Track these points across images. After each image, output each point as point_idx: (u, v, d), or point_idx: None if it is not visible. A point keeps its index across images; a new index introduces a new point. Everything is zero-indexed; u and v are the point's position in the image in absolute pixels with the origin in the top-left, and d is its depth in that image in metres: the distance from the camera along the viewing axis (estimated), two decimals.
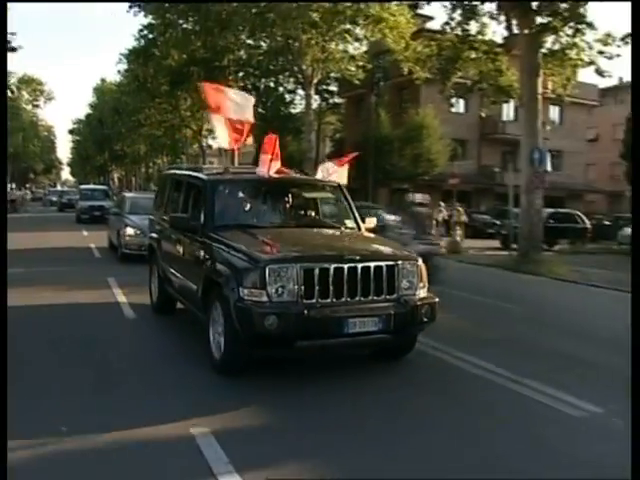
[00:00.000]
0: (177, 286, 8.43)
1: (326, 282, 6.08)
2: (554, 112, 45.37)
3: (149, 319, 9.46)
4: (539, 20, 18.78)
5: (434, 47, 22.33)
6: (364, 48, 32.31)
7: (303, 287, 6.02)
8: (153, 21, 30.74)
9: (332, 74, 34.45)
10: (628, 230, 32.51)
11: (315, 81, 31.51)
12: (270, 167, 8.02)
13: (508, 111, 43.50)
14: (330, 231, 8.08)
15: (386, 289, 6.38)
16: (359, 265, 6.26)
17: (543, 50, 19.22)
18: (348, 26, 28.16)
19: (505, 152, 43.53)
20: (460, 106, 42.45)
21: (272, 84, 36.75)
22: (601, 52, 18.54)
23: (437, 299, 6.85)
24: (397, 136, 36.27)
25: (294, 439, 5.08)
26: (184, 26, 29.93)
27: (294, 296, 6.02)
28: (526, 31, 18.59)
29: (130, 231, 15.97)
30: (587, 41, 18.71)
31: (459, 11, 20.32)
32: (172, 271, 8.61)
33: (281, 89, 37.93)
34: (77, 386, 6.19)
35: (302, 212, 8.67)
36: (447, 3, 20.63)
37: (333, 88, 40.80)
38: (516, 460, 4.78)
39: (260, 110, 38.78)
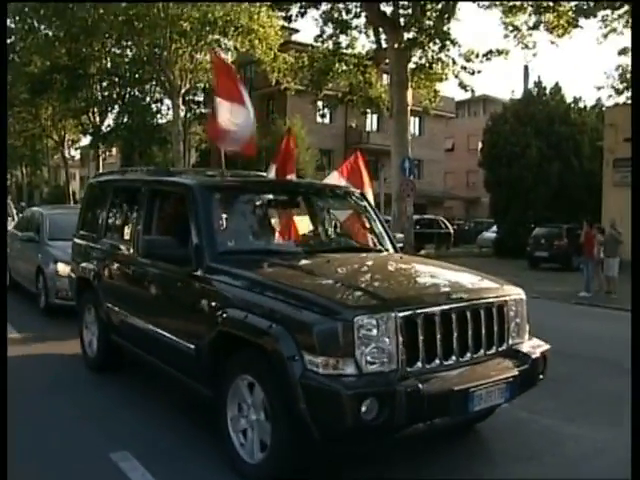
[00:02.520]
0: (140, 338, 6.21)
1: (432, 335, 4.22)
2: (414, 123, 47.25)
3: (86, 381, 7.18)
4: (407, 36, 19.64)
5: (305, 59, 22.79)
6: (231, 58, 32.39)
7: (403, 346, 4.06)
8: (12, 25, 29.37)
9: (199, 84, 34.23)
10: (486, 234, 34.63)
11: (183, 91, 31.32)
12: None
13: (372, 122, 44.94)
14: (384, 256, 6.11)
15: (497, 338, 4.67)
16: (469, 306, 4.48)
17: (411, 64, 20.10)
18: (217, 36, 28.17)
19: (370, 161, 44.80)
20: (326, 117, 43.36)
21: (138, 93, 35.95)
22: (464, 67, 19.66)
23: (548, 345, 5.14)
24: (265, 146, 36.50)
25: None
26: (47, 32, 28.79)
27: (394, 362, 4.01)
28: (395, 45, 19.35)
29: (63, 268, 10.04)
30: (451, 56, 19.80)
31: (330, 24, 20.85)
32: (129, 316, 6.37)
33: (147, 99, 37.16)
34: None
35: (328, 230, 6.69)
36: (316, 15, 21.22)
37: (200, 98, 40.46)
38: None
39: (125, 120, 37.98)
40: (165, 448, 5.10)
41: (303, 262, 5.36)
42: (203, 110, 43.37)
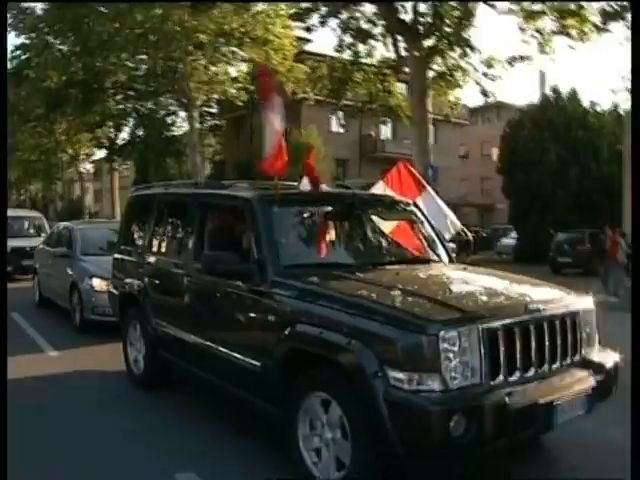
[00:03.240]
0: (194, 355, 6.06)
1: (512, 347, 4.13)
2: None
3: (134, 398, 6.99)
4: (426, 43, 19.53)
5: (324, 68, 22.71)
6: (245, 69, 32.46)
7: (486, 359, 3.97)
8: (27, 41, 29.47)
9: (214, 95, 34.27)
10: (505, 241, 34.46)
11: (199, 103, 31.37)
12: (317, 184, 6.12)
13: (386, 130, 44.83)
14: (448, 267, 6.05)
15: (571, 348, 4.59)
16: (546, 317, 4.40)
17: (431, 72, 19.98)
18: (233, 48, 28.21)
19: (385, 170, 44.57)
20: (340, 126, 43.31)
21: (153, 106, 36.04)
22: (485, 74, 19.52)
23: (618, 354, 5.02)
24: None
25: None
26: (62, 47, 28.88)
27: (477, 375, 3.92)
28: (415, 53, 19.25)
29: (99, 283, 10.04)
30: (472, 63, 19.66)
31: (349, 33, 20.76)
32: (182, 333, 6.18)
33: (162, 111, 37.25)
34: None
35: (381, 241, 6.47)
36: (334, 25, 21.13)
37: (214, 110, 40.54)
38: None
39: (141, 133, 38.11)
40: (235, 470, 4.97)
41: (371, 275, 5.21)
42: (217, 122, 43.54)
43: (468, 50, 18.99)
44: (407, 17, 19.48)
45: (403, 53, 20.32)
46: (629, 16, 15.65)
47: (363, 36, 20.70)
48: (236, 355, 5.25)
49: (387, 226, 6.60)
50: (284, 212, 5.70)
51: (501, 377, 4.04)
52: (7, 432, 4.45)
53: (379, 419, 3.87)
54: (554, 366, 4.40)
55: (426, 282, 5.34)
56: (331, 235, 5.94)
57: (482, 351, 3.95)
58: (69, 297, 10.97)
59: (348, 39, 20.84)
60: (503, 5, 18.40)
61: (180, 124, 39.00)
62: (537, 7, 17.64)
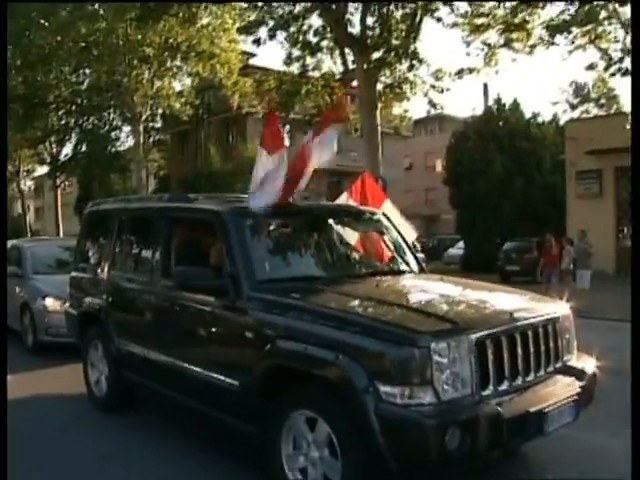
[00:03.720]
0: (164, 375, 5.80)
1: (500, 357, 4.08)
2: None
3: (96, 420, 6.69)
4: (375, 56, 19.66)
5: (272, 81, 22.62)
6: (188, 82, 32.24)
7: (477, 370, 3.90)
8: None
9: (159, 110, 33.88)
10: (452, 251, 34.83)
11: (143, 117, 30.97)
12: (285, 191, 5.52)
13: None
14: (426, 277, 6.05)
15: (553, 355, 4.58)
16: (530, 325, 4.39)
17: (381, 85, 20.13)
18: (179, 62, 27.97)
19: (330, 182, 44.88)
20: (286, 140, 43.29)
21: (97, 121, 35.40)
22: (433, 86, 19.76)
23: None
24: (228, 171, 36.25)
25: None
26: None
27: (468, 386, 3.85)
28: (364, 66, 19.34)
29: (52, 303, 9.79)
30: (420, 76, 19.88)
31: (298, 46, 20.77)
32: (149, 352, 5.92)
33: (106, 126, 36.61)
34: None
35: (353, 253, 6.32)
36: (282, 38, 21.12)
37: (158, 124, 40.07)
38: None
39: (84, 148, 37.36)
40: None
41: (350, 287, 5.14)
42: (162, 137, 43.04)
43: (416, 62, 19.19)
44: (355, 30, 19.65)
45: (351, 66, 20.47)
46: (574, 29, 16.10)
47: (311, 49, 20.75)
48: (211, 374, 5.03)
49: (353, 237, 6.52)
50: (256, 225, 5.51)
51: (491, 387, 3.99)
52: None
53: (371, 435, 3.76)
54: (539, 374, 4.39)
55: (407, 293, 5.27)
56: (302, 247, 5.87)
57: (472, 361, 3.89)
58: (20, 318, 10.59)
59: (296, 52, 20.88)
60: (449, 19, 18.73)
61: (124, 139, 38.41)
62: (483, 20, 17.95)
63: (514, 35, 16.68)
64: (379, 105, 20.07)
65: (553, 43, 16.25)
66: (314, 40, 20.40)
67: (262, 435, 4.59)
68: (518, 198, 28.76)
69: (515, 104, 32.09)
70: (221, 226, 5.27)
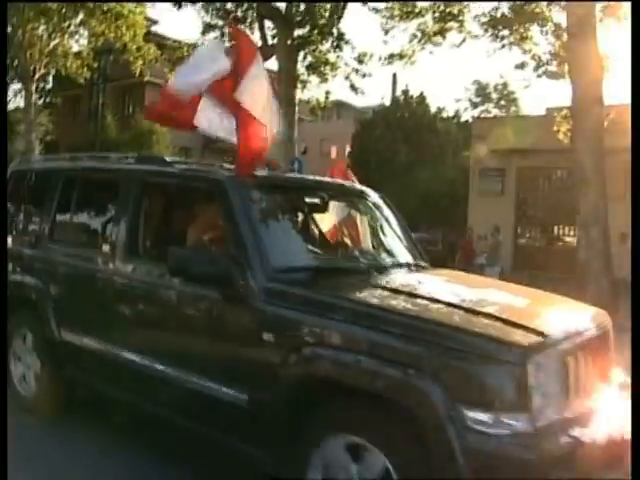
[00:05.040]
0: (131, 377, 4.76)
1: (579, 372, 3.48)
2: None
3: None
4: (298, 32, 18.97)
5: (185, 50, 21.41)
6: (85, 42, 30.31)
7: (564, 388, 3.33)
8: None
9: (52, 70, 31.70)
10: None
11: (37, 76, 28.84)
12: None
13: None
14: (459, 275, 5.42)
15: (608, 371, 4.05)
16: (597, 334, 3.91)
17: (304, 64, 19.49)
18: (81, 17, 26.09)
19: (227, 161, 43.82)
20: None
21: None
22: (356, 70, 19.30)
23: None
24: (125, 141, 34.55)
25: None
26: None
27: (558, 407, 3.26)
28: (289, 42, 18.60)
29: None
30: (343, 57, 19.37)
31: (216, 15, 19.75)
32: (107, 347, 4.86)
33: None
34: None
35: (367, 242, 5.57)
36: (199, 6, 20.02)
37: (49, 85, 37.65)
38: None
39: None
40: None
41: (394, 283, 4.34)
42: (54, 99, 40.52)
43: (342, 43, 18.65)
44: (281, 4, 18.85)
45: (270, 41, 19.68)
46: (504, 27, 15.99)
47: (234, 19, 19.74)
48: (207, 384, 4.09)
49: (328, 220, 5.78)
50: (265, 199, 4.60)
51: (572, 406, 3.38)
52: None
53: (452, 470, 3.05)
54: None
55: (463, 293, 4.32)
56: (319, 230, 5.13)
57: (561, 380, 3.32)
58: None
59: (215, 21, 19.85)
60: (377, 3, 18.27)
61: (12, 98, 35.74)
62: (421, 5, 17.59)
63: (448, 25, 16.39)
64: (299, 85, 19.46)
65: (494, 35, 16.01)
66: (236, 10, 19.37)
67: (275, 462, 3.75)
68: (420, 190, 28.94)
69: (422, 97, 32.30)
70: (223, 198, 4.34)
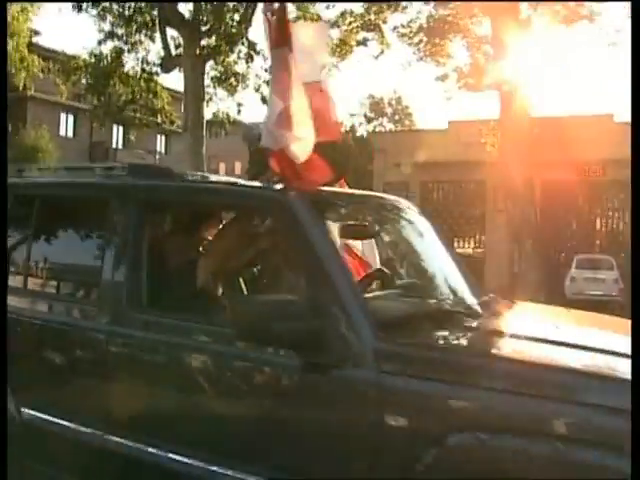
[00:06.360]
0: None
1: None
2: (161, 141, 45.15)
3: None
4: (206, 42, 18.04)
5: (81, 61, 19.82)
6: None
7: None
8: None
9: None
10: None
11: None
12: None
13: (118, 138, 42.03)
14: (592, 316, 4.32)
15: None
16: None
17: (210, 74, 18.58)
18: None
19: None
20: (69, 130, 39.66)
21: None
22: (268, 82, 18.53)
23: None
24: (12, 158, 32.16)
25: None
26: None
27: None
28: (197, 52, 17.62)
29: None
30: (253, 68, 18.67)
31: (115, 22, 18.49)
32: (98, 435, 3.35)
33: None
34: None
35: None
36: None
37: None
38: None
39: None
40: None
41: (514, 327, 3.37)
42: None
43: (253, 53, 17.90)
44: (187, 11, 17.83)
45: (175, 51, 18.61)
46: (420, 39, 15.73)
47: (129, 26, 18.50)
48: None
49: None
50: (340, 223, 3.59)
51: None
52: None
53: None
54: None
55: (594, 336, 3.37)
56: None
57: None
58: None
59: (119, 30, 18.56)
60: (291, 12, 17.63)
61: None
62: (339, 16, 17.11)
63: (370, 35, 15.98)
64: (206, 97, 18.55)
65: (413, 46, 15.71)
66: (136, 16, 18.10)
67: None
68: None
69: None
70: (291, 224, 3.11)
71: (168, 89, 21.20)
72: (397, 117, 45.24)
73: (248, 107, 57.94)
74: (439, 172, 25.38)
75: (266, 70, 18.31)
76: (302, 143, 3.28)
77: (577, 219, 25.66)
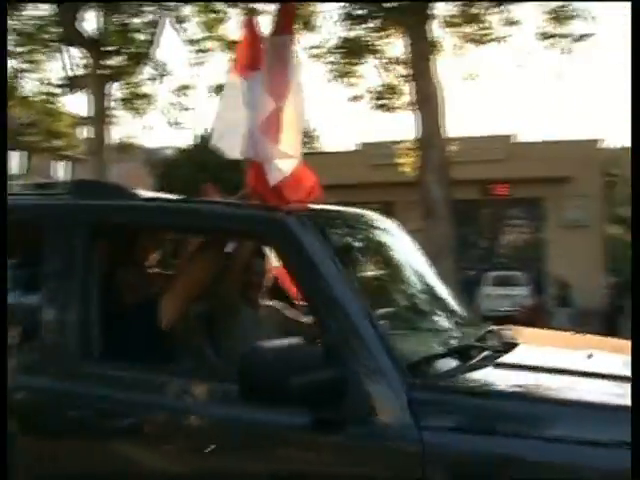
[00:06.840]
0: None
1: None
2: (65, 168, 43.48)
3: None
4: (111, 61, 17.36)
5: None
6: None
7: None
8: None
9: None
10: None
11: None
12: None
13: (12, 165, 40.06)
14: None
15: None
16: None
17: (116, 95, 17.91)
18: None
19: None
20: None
21: None
22: (173, 103, 18.17)
23: None
24: None
25: None
26: None
27: None
28: (99, 71, 16.91)
29: None
30: (158, 90, 18.16)
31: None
32: None
33: None
34: None
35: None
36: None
37: None
38: None
39: None
40: None
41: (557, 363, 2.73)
42: None
43: (163, 73, 17.38)
44: (89, 28, 17.08)
45: (80, 71, 17.81)
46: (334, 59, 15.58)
47: (30, 44, 17.56)
48: None
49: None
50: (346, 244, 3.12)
51: None
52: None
53: None
54: None
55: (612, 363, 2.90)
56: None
57: None
58: None
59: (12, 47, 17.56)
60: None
61: None
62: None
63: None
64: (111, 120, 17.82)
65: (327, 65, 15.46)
66: (38, 34, 17.18)
67: None
68: None
69: None
70: (295, 249, 2.56)
71: (69, 114, 20.27)
72: (304, 139, 45.15)
73: (155, 130, 56.61)
74: (346, 194, 25.36)
75: (174, 91, 17.89)
76: (285, 161, 2.81)
77: (483, 236, 26.35)
